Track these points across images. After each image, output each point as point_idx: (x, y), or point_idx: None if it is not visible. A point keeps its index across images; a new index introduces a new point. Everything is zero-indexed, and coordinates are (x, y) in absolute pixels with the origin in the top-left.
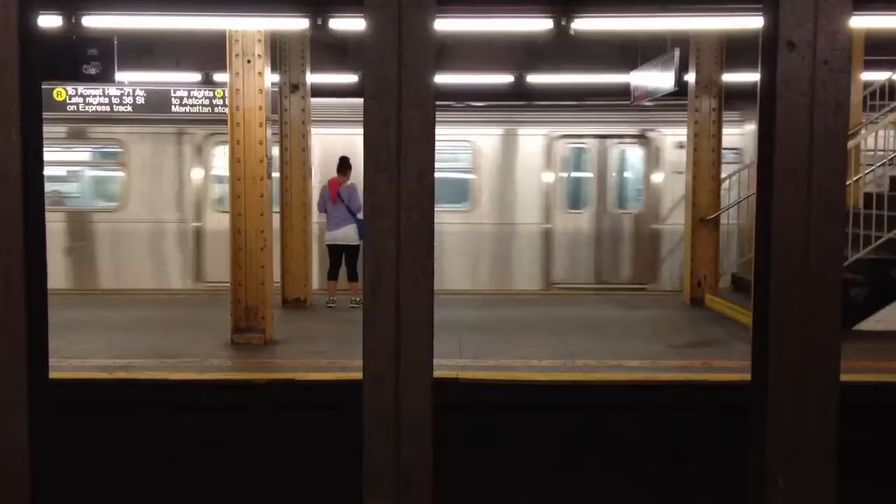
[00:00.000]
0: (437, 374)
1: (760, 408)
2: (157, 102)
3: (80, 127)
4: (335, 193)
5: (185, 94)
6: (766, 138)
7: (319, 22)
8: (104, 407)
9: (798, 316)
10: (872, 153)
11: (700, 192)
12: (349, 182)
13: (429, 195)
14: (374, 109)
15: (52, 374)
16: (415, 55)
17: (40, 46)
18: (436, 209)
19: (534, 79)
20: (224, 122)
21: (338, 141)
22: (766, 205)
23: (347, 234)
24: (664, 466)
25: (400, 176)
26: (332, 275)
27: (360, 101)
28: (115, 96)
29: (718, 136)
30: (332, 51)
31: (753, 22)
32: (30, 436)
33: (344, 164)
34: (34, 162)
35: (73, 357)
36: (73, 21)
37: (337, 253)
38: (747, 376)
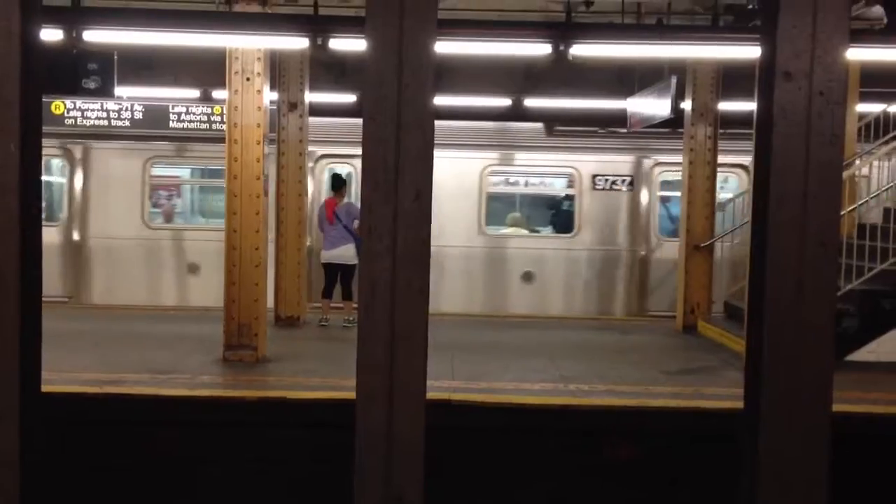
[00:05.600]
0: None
1: (752, 435)
2: None
3: None
4: (331, 213)
5: None
6: (761, 167)
7: (319, 41)
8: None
9: (791, 345)
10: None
11: (694, 219)
12: (345, 200)
13: (426, 215)
14: (372, 129)
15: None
16: (415, 76)
17: (42, 59)
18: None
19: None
20: None
21: None
22: (761, 233)
23: (345, 253)
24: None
25: (397, 196)
26: (327, 293)
27: None
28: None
29: (713, 163)
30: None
31: (750, 51)
32: (20, 448)
33: (337, 182)
34: (32, 173)
35: None
36: (74, 35)
37: (333, 272)
38: (739, 404)
